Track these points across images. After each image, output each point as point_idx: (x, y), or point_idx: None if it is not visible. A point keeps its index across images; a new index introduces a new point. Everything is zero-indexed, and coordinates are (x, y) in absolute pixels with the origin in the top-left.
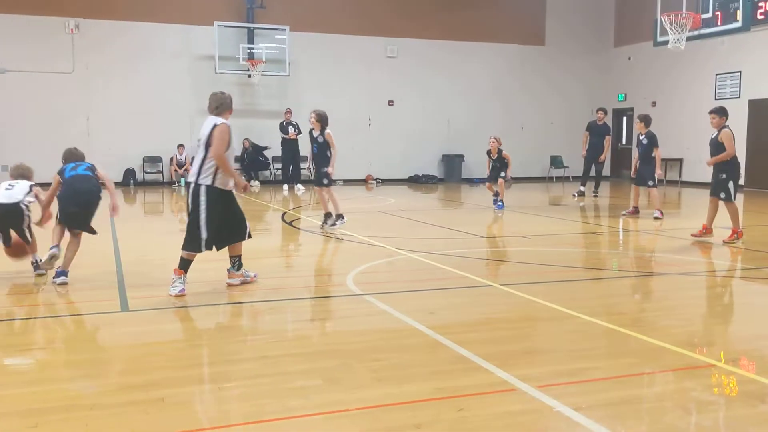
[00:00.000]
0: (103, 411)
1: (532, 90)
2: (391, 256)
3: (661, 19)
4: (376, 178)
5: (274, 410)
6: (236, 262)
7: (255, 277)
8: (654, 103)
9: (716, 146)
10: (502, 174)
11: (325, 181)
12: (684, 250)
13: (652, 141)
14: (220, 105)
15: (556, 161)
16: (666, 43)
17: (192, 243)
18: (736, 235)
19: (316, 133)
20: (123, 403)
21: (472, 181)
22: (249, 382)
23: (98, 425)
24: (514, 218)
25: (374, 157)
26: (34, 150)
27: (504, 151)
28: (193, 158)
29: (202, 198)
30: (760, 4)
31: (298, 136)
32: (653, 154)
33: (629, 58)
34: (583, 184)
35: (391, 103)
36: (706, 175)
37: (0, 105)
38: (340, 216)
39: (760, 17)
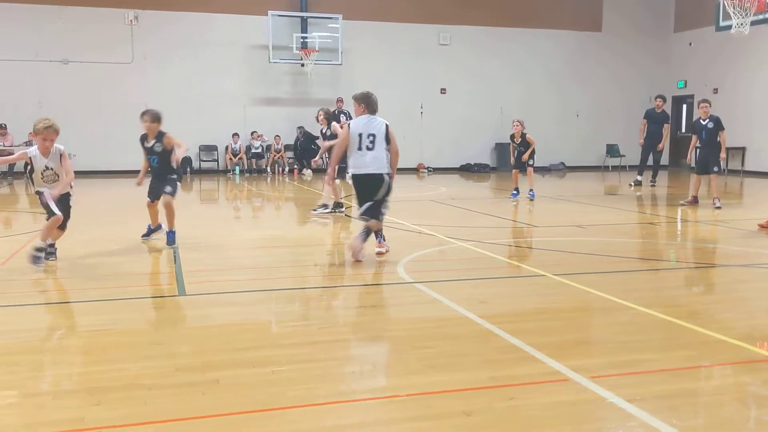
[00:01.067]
0: (162, 391)
1: (587, 77)
2: (441, 244)
3: (723, 3)
4: (428, 167)
5: (325, 394)
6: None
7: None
8: (716, 90)
9: None
10: (530, 162)
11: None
12: (745, 241)
13: (719, 124)
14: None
15: (612, 150)
16: (729, 27)
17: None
18: None
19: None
20: (180, 384)
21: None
22: (300, 366)
23: (157, 404)
24: (569, 208)
25: (426, 146)
26: (94, 138)
27: (528, 135)
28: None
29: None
30: None
31: None
32: (719, 139)
33: (690, 44)
34: (641, 173)
35: (443, 91)
36: (765, 163)
37: (63, 94)
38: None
39: None
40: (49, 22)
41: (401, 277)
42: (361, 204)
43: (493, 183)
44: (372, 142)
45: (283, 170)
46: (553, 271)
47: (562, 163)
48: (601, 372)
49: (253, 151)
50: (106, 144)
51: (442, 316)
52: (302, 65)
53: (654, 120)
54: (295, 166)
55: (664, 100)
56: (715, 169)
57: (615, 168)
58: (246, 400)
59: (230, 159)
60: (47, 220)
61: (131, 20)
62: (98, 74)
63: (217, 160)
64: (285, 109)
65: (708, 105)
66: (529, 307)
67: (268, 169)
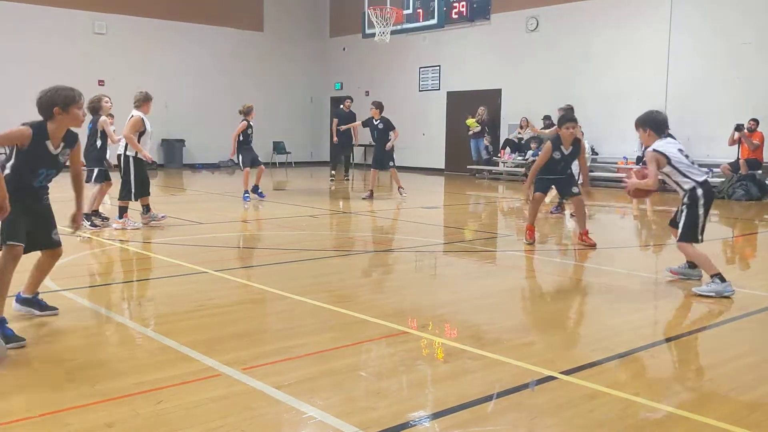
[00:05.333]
0: None
1: (255, 75)
2: (100, 247)
3: (368, 12)
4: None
5: None
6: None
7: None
8: (367, 93)
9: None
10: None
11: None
12: (394, 228)
13: (389, 125)
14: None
15: (278, 147)
16: (373, 35)
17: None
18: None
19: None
20: None
21: (194, 167)
22: None
23: None
24: (234, 204)
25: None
26: None
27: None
28: None
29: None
30: (454, 4)
31: None
32: (390, 138)
33: (344, 49)
34: (347, 171)
35: (101, 83)
36: (411, 160)
37: None
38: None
39: (454, 16)
40: None
41: (47, 285)
42: None
43: (161, 180)
44: None
45: None
46: (214, 267)
47: (232, 160)
48: (253, 363)
49: None
50: None
51: (89, 324)
52: None
53: (344, 120)
54: None
55: (352, 100)
56: (391, 164)
57: (282, 164)
58: None
59: None
60: None
61: None
62: None
63: None
64: None
65: (376, 108)
66: (187, 305)
67: None
